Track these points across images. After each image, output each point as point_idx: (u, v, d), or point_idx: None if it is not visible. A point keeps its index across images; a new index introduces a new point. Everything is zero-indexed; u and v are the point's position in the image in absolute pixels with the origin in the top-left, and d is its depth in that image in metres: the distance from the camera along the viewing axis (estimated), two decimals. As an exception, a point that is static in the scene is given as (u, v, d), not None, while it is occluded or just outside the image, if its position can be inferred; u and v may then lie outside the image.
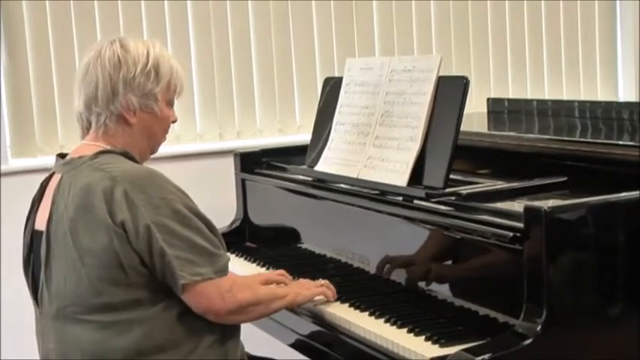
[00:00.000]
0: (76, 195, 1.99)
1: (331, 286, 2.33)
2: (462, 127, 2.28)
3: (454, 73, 3.87)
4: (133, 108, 2.10)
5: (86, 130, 2.16)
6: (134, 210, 1.94)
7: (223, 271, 2.03)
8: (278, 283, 2.36)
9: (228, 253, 2.12)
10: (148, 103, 2.11)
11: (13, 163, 3.54)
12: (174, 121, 2.22)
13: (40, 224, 2.10)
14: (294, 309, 2.31)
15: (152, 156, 2.24)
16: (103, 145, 2.10)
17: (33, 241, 2.14)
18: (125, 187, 1.96)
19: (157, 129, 2.17)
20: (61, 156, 2.18)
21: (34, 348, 3.38)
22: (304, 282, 2.34)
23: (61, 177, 2.07)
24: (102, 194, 1.96)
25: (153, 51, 2.12)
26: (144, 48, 2.12)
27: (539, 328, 1.84)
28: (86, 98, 2.11)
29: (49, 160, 3.40)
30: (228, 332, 2.10)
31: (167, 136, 2.24)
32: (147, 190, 1.97)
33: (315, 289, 2.29)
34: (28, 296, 3.05)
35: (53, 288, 2.03)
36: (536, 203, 1.95)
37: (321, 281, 2.33)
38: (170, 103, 2.18)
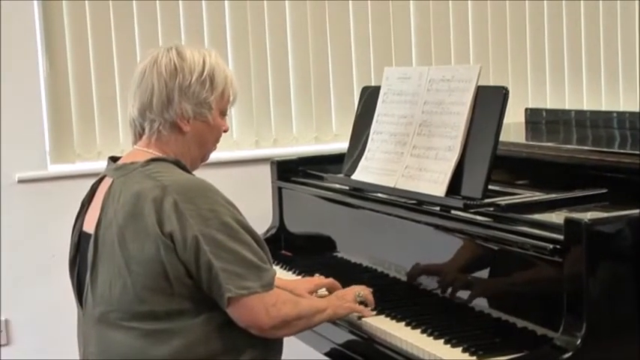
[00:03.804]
0: (126, 202, 1.99)
1: (370, 298, 2.32)
2: (500, 138, 2.27)
3: (491, 83, 3.87)
4: (187, 116, 2.10)
5: (139, 136, 2.15)
6: (183, 221, 1.94)
7: (270, 285, 2.02)
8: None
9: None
10: (202, 111, 2.11)
11: (52, 168, 3.58)
12: (225, 131, 2.21)
13: (89, 227, 2.10)
14: (329, 320, 2.32)
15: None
16: (155, 152, 2.10)
17: (80, 243, 2.15)
18: (175, 198, 1.96)
19: (209, 138, 2.17)
20: (113, 159, 2.18)
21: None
22: (345, 293, 2.33)
23: (112, 182, 2.07)
24: (152, 203, 1.96)
25: (209, 60, 2.12)
26: (200, 56, 2.11)
27: (579, 341, 1.82)
28: (141, 105, 2.10)
29: (88, 166, 3.49)
30: (271, 349, 2.09)
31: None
32: (196, 202, 1.96)
33: (354, 306, 2.29)
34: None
35: (98, 292, 2.03)
36: (577, 215, 1.93)
37: (361, 292, 2.32)
38: (223, 113, 2.17)
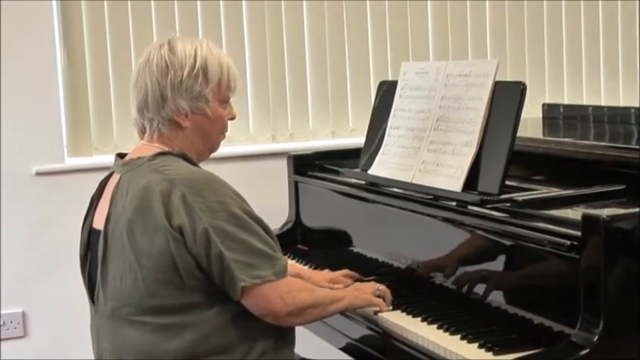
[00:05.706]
0: (134, 196, 2.00)
1: (388, 294, 2.32)
2: (517, 133, 2.26)
3: (509, 78, 3.85)
4: (183, 112, 2.09)
5: (142, 134, 2.16)
6: (191, 214, 1.94)
7: (283, 273, 2.02)
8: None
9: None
10: (198, 105, 2.10)
11: (69, 161, 3.60)
12: (231, 119, 2.19)
13: (98, 223, 2.11)
14: (346, 312, 2.32)
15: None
16: (161, 147, 2.10)
17: (90, 240, 2.16)
18: (183, 191, 1.96)
19: (211, 129, 2.15)
20: (120, 156, 2.18)
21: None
22: (363, 285, 2.34)
23: (120, 177, 2.08)
24: (160, 197, 1.96)
25: (200, 51, 2.09)
26: (192, 49, 2.09)
27: (596, 338, 1.81)
28: (138, 105, 2.11)
29: (104, 159, 3.50)
30: (284, 340, 2.10)
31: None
32: (204, 194, 1.97)
33: (372, 298, 2.28)
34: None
35: (109, 288, 2.04)
36: (594, 211, 1.92)
37: (380, 287, 2.32)
38: (224, 101, 2.15)
